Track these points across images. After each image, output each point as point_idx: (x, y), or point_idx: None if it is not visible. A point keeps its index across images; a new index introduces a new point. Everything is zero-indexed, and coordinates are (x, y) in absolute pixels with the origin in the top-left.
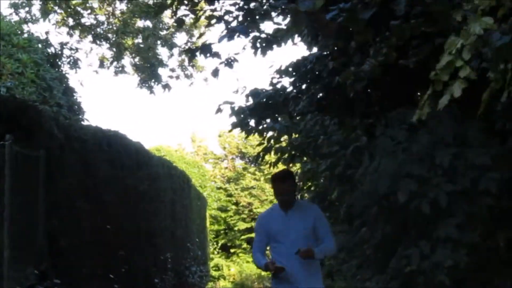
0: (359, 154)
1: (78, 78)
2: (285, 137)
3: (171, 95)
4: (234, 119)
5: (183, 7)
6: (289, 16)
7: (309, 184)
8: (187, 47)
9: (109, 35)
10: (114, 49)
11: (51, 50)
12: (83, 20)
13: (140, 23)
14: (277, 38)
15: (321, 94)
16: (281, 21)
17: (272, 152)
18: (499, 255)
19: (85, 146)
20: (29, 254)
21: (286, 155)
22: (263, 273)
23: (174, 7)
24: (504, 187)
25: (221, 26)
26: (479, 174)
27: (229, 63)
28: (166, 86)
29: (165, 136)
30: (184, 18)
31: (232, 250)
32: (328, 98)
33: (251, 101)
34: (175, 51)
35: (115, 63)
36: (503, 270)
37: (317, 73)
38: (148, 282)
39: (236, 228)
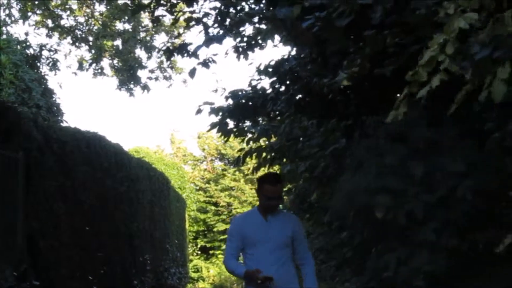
0: (338, 156)
1: (57, 81)
2: (265, 138)
3: (150, 97)
4: (213, 118)
5: (161, 8)
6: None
7: (289, 186)
8: (165, 47)
9: (89, 37)
10: (93, 51)
11: (30, 51)
12: (62, 22)
13: (119, 25)
14: (257, 40)
15: (300, 96)
16: (261, 25)
17: (254, 156)
18: (476, 258)
19: (64, 147)
20: (8, 255)
21: (267, 157)
22: None
23: (152, 7)
24: (481, 190)
25: (200, 27)
26: (455, 182)
27: (206, 63)
28: (145, 87)
29: (144, 138)
30: (161, 17)
31: (211, 252)
32: (306, 99)
33: (230, 102)
34: (154, 53)
35: (94, 65)
36: (480, 273)
37: (295, 74)
38: (127, 283)
39: (215, 229)
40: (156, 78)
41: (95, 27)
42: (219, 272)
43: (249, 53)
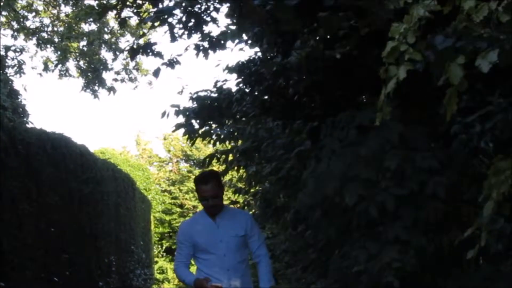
0: (303, 157)
1: (22, 83)
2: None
3: (116, 98)
4: (179, 119)
5: (127, 9)
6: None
7: (256, 188)
8: (129, 46)
9: (55, 38)
10: (59, 52)
11: None
12: (27, 23)
13: (85, 27)
14: (221, 41)
15: (265, 97)
16: (225, 26)
17: (221, 159)
18: (443, 257)
19: (29, 148)
20: None
21: (233, 159)
22: None
23: (118, 8)
24: (450, 190)
25: (165, 27)
26: (426, 178)
27: (171, 63)
28: (111, 89)
29: (109, 139)
30: (127, 19)
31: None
32: (271, 100)
33: (195, 104)
34: (120, 54)
35: (59, 66)
36: (447, 271)
37: (260, 74)
38: (92, 285)
39: None
40: (122, 80)
41: (61, 29)
42: None
43: (210, 52)
